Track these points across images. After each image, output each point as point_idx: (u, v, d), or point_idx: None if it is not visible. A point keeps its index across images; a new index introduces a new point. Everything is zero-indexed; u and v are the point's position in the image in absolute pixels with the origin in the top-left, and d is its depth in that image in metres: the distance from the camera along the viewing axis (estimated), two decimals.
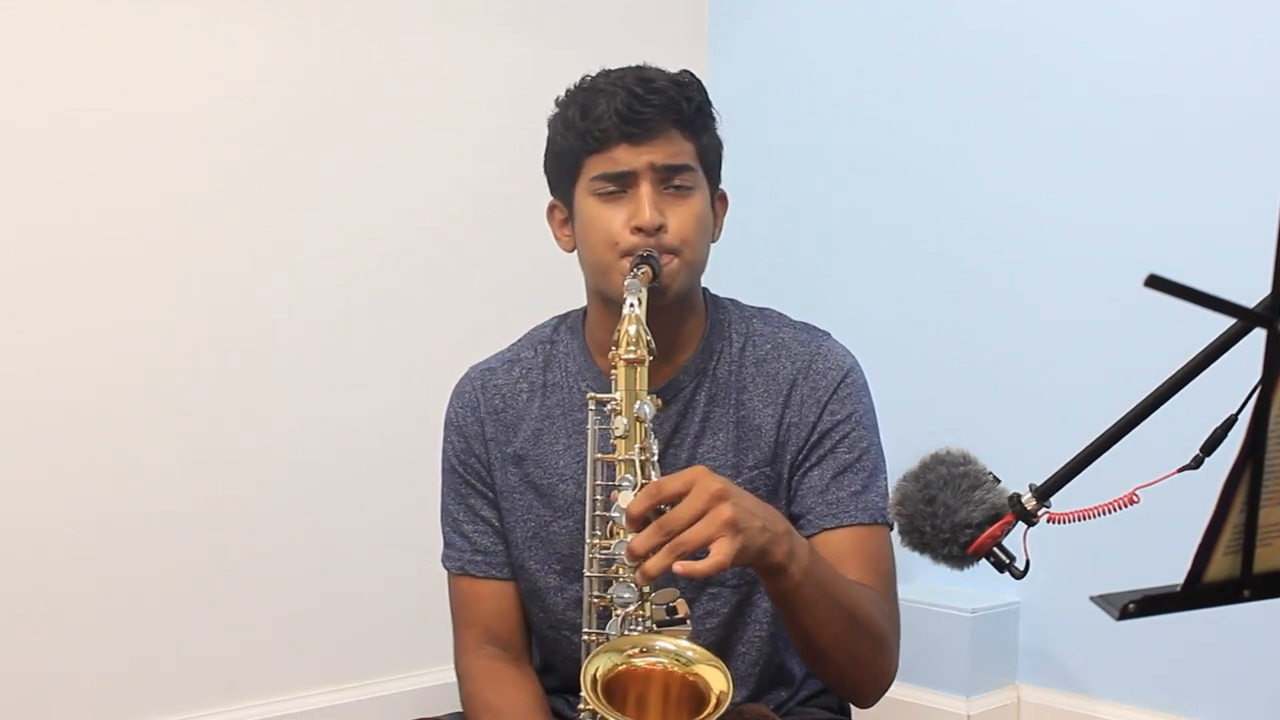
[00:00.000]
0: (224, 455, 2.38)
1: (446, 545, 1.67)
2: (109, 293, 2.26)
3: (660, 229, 1.49)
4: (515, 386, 1.65)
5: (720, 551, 1.25)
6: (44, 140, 2.19)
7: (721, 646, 1.55)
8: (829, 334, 1.65)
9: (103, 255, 2.25)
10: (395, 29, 2.56)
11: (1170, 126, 2.32)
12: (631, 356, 1.41)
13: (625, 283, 1.44)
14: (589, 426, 1.48)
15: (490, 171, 2.67)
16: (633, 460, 1.39)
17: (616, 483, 1.41)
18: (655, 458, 1.41)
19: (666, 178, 1.51)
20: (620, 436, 1.41)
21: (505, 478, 1.62)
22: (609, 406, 1.44)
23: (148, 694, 2.31)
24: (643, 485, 1.37)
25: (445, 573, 1.68)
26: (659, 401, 1.44)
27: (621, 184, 1.50)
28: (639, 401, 1.41)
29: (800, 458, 1.56)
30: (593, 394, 1.48)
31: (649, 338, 1.42)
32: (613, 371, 1.43)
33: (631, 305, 1.42)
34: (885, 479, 1.55)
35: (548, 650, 1.64)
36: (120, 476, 2.27)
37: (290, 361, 2.46)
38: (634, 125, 1.49)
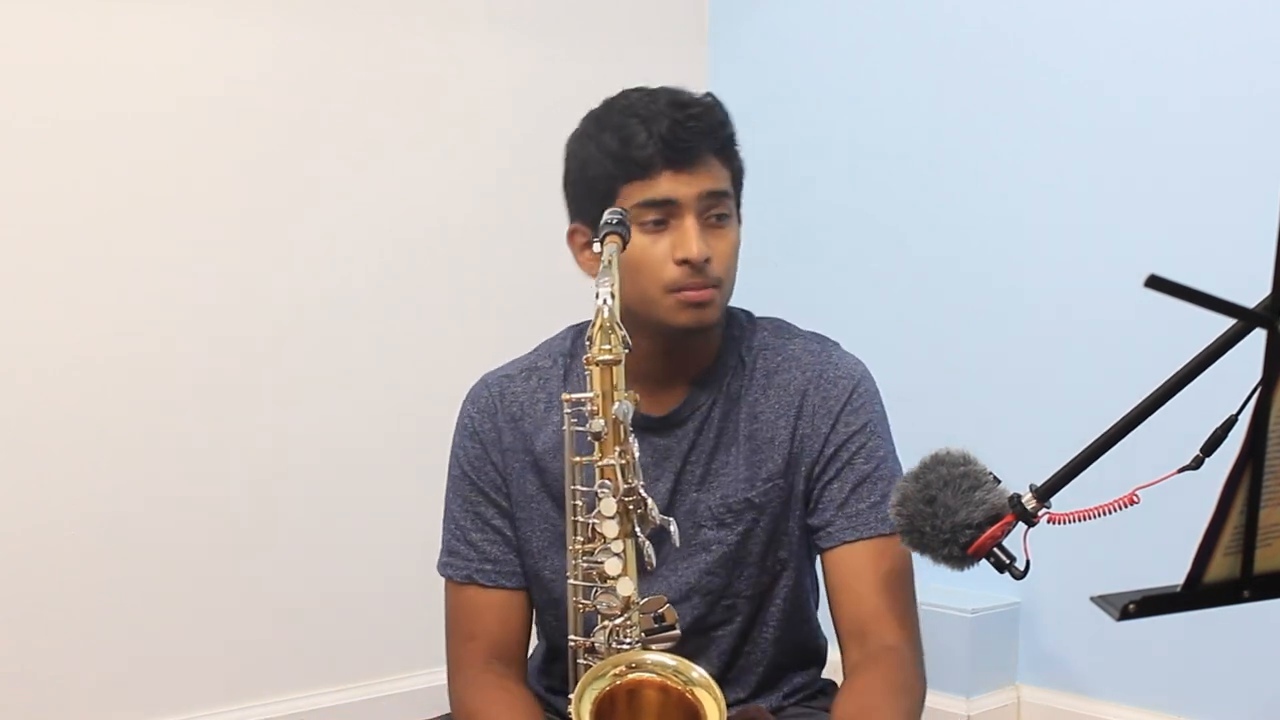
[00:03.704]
0: (224, 456, 2.38)
1: (449, 553, 1.63)
2: (112, 293, 2.26)
3: (707, 262, 1.46)
4: (533, 396, 1.61)
5: None
6: (40, 139, 2.19)
7: (732, 654, 1.56)
8: (838, 344, 1.63)
9: (103, 255, 2.25)
10: (395, 29, 2.56)
11: (1171, 127, 2.32)
12: (607, 358, 1.38)
13: (600, 267, 1.37)
14: (564, 428, 1.45)
15: (490, 172, 2.66)
16: (613, 465, 1.36)
17: (595, 488, 1.37)
18: (636, 460, 1.38)
19: (708, 207, 1.48)
20: (596, 435, 1.37)
21: (523, 485, 1.59)
22: (587, 407, 1.41)
23: (148, 694, 2.31)
24: (625, 490, 1.35)
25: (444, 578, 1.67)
26: (636, 397, 1.40)
27: (665, 213, 1.47)
28: (618, 402, 1.37)
29: (818, 471, 1.55)
30: (567, 395, 1.45)
31: (623, 332, 1.38)
32: (587, 369, 1.40)
33: (605, 301, 1.35)
34: None
35: (562, 657, 1.63)
36: (120, 476, 2.27)
37: (291, 362, 2.46)
38: (678, 153, 1.45)
